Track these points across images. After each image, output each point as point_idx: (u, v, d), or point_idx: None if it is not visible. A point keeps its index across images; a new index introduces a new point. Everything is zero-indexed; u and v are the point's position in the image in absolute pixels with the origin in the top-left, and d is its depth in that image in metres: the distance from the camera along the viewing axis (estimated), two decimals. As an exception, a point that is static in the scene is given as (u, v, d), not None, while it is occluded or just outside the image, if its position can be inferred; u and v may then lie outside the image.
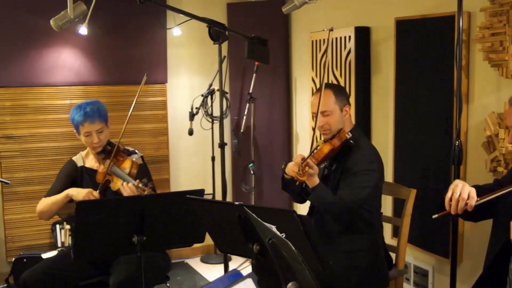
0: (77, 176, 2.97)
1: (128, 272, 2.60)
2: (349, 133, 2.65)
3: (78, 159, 3.02)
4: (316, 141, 2.73)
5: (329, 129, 2.70)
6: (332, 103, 2.70)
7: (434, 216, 2.00)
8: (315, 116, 2.70)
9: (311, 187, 2.56)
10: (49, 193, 2.95)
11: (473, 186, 2.06)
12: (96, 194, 2.77)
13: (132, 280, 2.54)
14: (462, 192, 1.96)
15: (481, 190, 2.04)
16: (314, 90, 4.08)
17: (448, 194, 1.99)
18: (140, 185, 2.71)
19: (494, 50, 2.71)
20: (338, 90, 2.77)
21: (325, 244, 2.64)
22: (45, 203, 2.90)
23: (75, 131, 2.96)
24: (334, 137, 2.65)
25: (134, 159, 2.94)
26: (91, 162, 3.01)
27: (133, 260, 2.46)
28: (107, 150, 2.94)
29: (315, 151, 2.62)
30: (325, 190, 2.57)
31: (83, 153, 3.06)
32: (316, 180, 2.55)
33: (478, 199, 1.96)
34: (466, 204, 1.95)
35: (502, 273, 1.98)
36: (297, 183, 2.56)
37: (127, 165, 2.90)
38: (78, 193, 2.81)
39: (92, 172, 2.95)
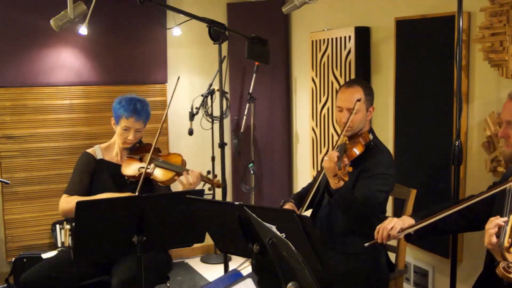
0: (95, 168, 2.93)
1: (131, 272, 2.59)
2: (371, 134, 2.65)
3: (96, 152, 2.98)
4: (341, 137, 2.69)
5: (351, 127, 2.67)
6: (361, 101, 2.67)
7: (365, 244, 2.29)
8: (339, 110, 2.71)
9: (335, 187, 2.48)
10: (69, 189, 2.89)
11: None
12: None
13: (135, 280, 2.54)
14: (388, 223, 2.25)
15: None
16: (315, 90, 4.08)
17: (378, 225, 2.28)
18: (207, 175, 2.81)
19: (494, 50, 2.71)
20: (368, 90, 2.73)
21: (328, 245, 2.64)
22: (68, 208, 2.80)
23: (112, 119, 2.94)
24: (359, 137, 2.64)
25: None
26: (110, 155, 2.99)
27: (135, 259, 2.46)
28: (135, 147, 2.97)
29: (347, 150, 2.58)
30: (350, 191, 2.54)
31: (102, 146, 3.02)
32: (342, 182, 2.51)
33: (400, 230, 2.22)
34: (389, 235, 2.23)
35: None
36: (337, 182, 2.47)
37: (177, 159, 2.91)
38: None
39: (113, 165, 2.93)
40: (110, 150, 3.01)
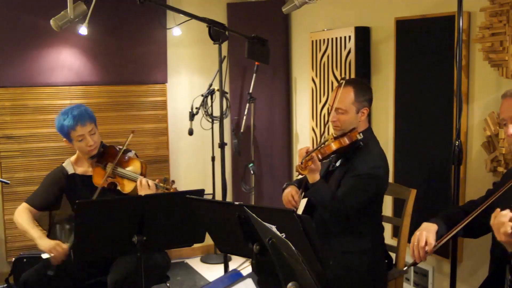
0: (66, 184, 2.86)
1: (126, 271, 2.59)
2: (361, 134, 2.62)
3: (67, 166, 2.91)
4: (327, 134, 2.72)
5: (340, 127, 2.68)
6: (349, 102, 2.64)
7: (404, 268, 2.26)
8: (330, 109, 2.71)
9: (311, 182, 2.56)
10: (32, 199, 2.86)
11: (443, 215, 2.23)
12: (64, 246, 2.65)
13: (129, 280, 2.54)
14: (420, 240, 2.11)
15: (457, 213, 2.21)
16: (315, 90, 4.08)
17: (411, 245, 2.14)
18: (162, 184, 2.71)
19: (494, 50, 2.71)
20: (361, 90, 2.67)
21: (324, 244, 2.64)
22: (20, 220, 2.81)
23: (64, 140, 2.86)
24: (344, 135, 2.62)
25: (134, 157, 2.94)
26: (83, 167, 2.92)
27: (132, 259, 2.46)
28: (100, 152, 2.88)
29: (322, 146, 2.60)
30: (324, 187, 2.57)
31: (72, 158, 2.94)
32: (316, 177, 2.55)
33: (436, 243, 2.10)
34: (426, 252, 2.09)
35: (504, 276, 2.00)
36: (297, 176, 2.57)
37: (136, 165, 2.86)
38: (44, 245, 2.69)
39: (86, 177, 2.88)
40: (82, 162, 2.93)
